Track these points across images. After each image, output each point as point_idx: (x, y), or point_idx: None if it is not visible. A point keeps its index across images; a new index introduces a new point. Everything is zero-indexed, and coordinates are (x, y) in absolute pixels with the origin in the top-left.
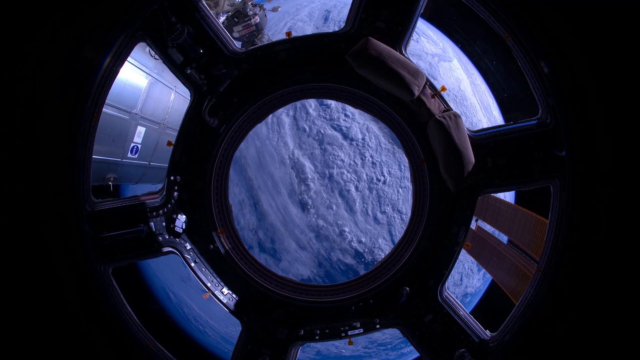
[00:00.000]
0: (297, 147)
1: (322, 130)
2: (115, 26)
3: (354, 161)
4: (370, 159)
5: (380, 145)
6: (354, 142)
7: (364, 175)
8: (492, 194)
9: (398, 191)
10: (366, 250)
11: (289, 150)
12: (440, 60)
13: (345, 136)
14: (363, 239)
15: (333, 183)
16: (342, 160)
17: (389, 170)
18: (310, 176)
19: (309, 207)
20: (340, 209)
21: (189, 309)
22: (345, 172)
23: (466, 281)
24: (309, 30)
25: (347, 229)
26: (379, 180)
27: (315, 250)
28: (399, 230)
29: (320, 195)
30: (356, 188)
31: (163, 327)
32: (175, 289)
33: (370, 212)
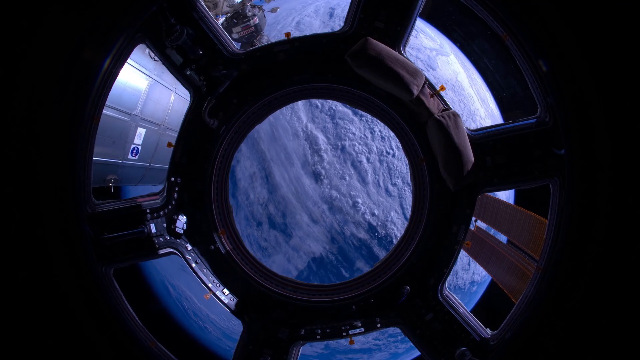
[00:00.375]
0: (310, 121)
1: (333, 107)
2: (115, 27)
3: (365, 135)
4: (379, 133)
5: None
6: (363, 118)
7: (374, 148)
8: (491, 195)
9: (407, 164)
10: (379, 223)
11: (302, 123)
12: (438, 54)
13: (355, 112)
14: (376, 211)
15: (345, 154)
16: (353, 134)
17: (397, 145)
18: (323, 147)
19: (322, 177)
20: (353, 179)
21: (189, 302)
22: (357, 144)
23: (474, 267)
24: (317, 24)
25: (360, 200)
26: (388, 153)
27: (328, 224)
28: (410, 204)
29: (334, 166)
30: (367, 160)
31: (163, 324)
32: (174, 281)
33: (381, 183)
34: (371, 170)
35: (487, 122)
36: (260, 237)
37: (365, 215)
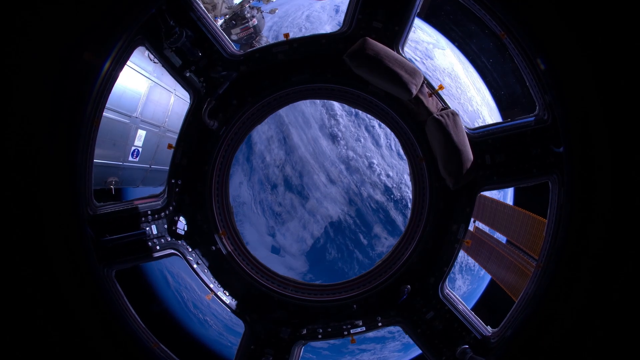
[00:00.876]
0: None
1: None
2: (114, 30)
3: None
4: None
5: None
6: None
7: None
8: (489, 196)
9: None
10: (394, 185)
11: None
12: (434, 47)
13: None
14: (390, 173)
15: (359, 119)
16: None
17: None
18: (339, 113)
19: (339, 139)
20: (367, 142)
21: (188, 292)
22: None
23: None
24: (325, 17)
25: (375, 162)
26: None
27: (345, 185)
28: None
29: (349, 129)
30: (379, 125)
31: (162, 320)
32: (172, 269)
33: (393, 147)
34: (383, 134)
35: (484, 109)
36: (274, 201)
37: (381, 177)
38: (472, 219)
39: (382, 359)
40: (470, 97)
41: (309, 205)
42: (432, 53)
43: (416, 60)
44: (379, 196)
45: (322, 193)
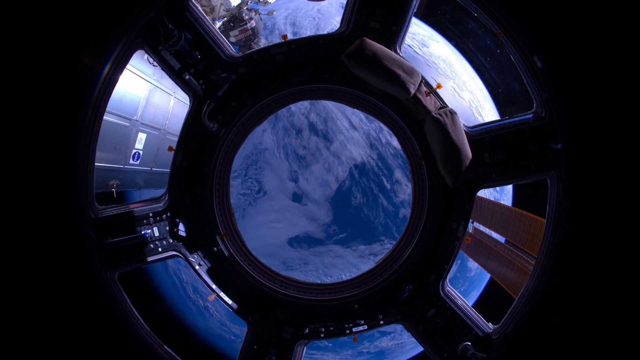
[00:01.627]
0: None
1: None
2: (114, 31)
3: None
4: None
5: None
6: None
7: None
8: (487, 198)
9: None
10: None
11: None
12: (429, 39)
13: None
14: None
15: None
16: None
17: None
18: None
19: None
20: None
21: (188, 272)
22: None
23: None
24: (334, 10)
25: None
26: None
27: (365, 131)
28: None
29: None
30: None
31: (162, 317)
32: None
33: None
34: None
35: (478, 94)
36: (298, 145)
37: None
38: (470, 220)
39: (400, 345)
40: (465, 81)
41: (333, 147)
42: (427, 42)
43: (413, 47)
44: (395, 143)
45: (345, 137)
